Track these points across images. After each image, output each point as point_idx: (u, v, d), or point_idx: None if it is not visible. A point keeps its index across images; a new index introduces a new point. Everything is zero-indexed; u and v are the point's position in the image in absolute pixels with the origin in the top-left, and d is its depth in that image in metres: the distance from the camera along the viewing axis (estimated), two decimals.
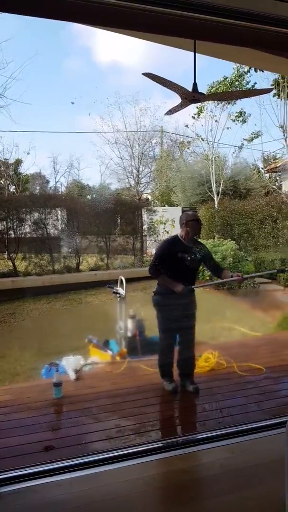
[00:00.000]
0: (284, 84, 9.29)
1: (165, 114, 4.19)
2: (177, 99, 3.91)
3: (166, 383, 3.37)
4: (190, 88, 3.79)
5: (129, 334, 4.64)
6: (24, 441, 2.66)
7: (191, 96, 3.70)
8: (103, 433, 2.85)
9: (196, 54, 3.87)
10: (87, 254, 9.10)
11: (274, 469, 2.15)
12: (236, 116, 12.53)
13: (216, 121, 12.14)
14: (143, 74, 3.39)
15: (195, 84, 3.81)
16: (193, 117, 13.07)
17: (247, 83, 11.94)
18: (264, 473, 2.18)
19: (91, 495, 2.12)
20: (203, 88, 3.83)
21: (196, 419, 3.01)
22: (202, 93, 3.82)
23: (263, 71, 9.59)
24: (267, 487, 2.06)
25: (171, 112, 4.22)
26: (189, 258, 3.26)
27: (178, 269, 3.24)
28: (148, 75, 3.39)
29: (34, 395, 3.37)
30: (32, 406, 3.14)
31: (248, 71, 11.69)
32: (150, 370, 3.81)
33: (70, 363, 3.84)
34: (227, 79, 11.87)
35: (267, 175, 14.70)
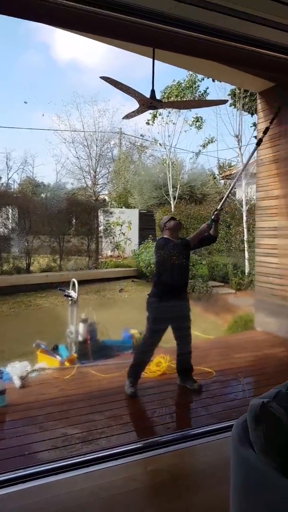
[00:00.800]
0: (240, 95, 9.53)
1: (122, 119, 4.16)
2: (136, 102, 3.89)
3: (127, 384, 3.35)
4: (148, 94, 3.78)
5: (80, 338, 4.53)
6: None
7: (148, 103, 3.69)
8: (49, 442, 2.74)
9: (155, 60, 3.88)
10: (38, 255, 8.82)
11: (220, 474, 2.16)
12: (193, 121, 12.73)
13: (174, 123, 12.27)
14: (101, 77, 3.33)
15: (153, 91, 3.80)
16: (148, 123, 13.12)
17: (197, 88, 12.14)
18: (210, 478, 2.19)
19: (32, 509, 2.03)
20: (156, 93, 3.84)
21: (145, 425, 2.96)
22: (159, 100, 3.83)
23: (220, 81, 9.77)
24: (214, 493, 2.05)
25: (128, 117, 4.18)
26: (179, 253, 3.46)
27: (173, 262, 3.43)
28: (107, 79, 3.33)
29: None
30: None
31: (202, 79, 11.91)
32: (101, 376, 3.74)
33: (15, 370, 3.68)
34: (181, 85, 12.03)
35: (222, 181, 15.10)
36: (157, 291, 3.48)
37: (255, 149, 4.78)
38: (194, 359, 4.08)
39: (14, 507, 2.05)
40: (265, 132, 4.65)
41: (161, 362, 3.89)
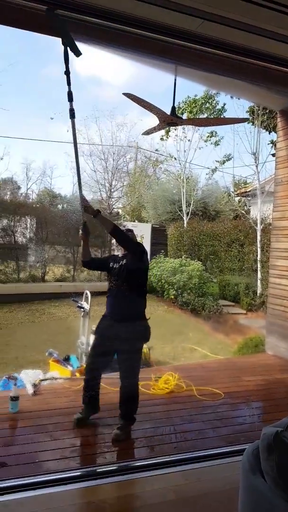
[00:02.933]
0: (259, 112, 9.60)
1: (142, 134, 4.25)
2: (154, 117, 3.99)
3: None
4: (165, 108, 3.89)
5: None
6: None
7: (169, 119, 3.80)
8: (58, 452, 2.78)
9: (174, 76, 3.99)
10: (53, 265, 8.96)
11: (228, 498, 2.17)
12: (208, 136, 12.84)
13: (189, 140, 12.42)
14: (124, 94, 3.44)
15: (173, 108, 3.91)
16: (162, 139, 13.29)
17: (217, 103, 12.29)
18: (218, 502, 2.19)
19: None
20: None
21: (150, 443, 2.97)
22: (179, 117, 3.93)
23: (238, 98, 9.86)
24: None
25: (147, 133, 4.30)
26: (123, 269, 3.00)
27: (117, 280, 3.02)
28: (129, 95, 3.44)
29: None
30: None
31: (217, 93, 12.04)
32: (108, 388, 3.76)
33: (28, 377, 3.74)
34: (196, 101, 12.17)
35: (237, 199, 15.13)
36: (106, 308, 3.11)
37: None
38: (202, 379, 4.10)
39: None
40: None
41: (170, 380, 3.90)
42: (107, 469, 2.50)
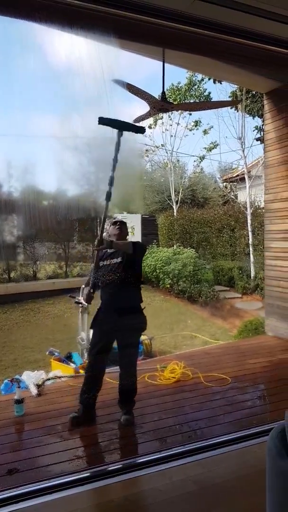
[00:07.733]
0: (242, 96, 9.53)
1: (133, 121, 4.13)
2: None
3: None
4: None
5: None
6: None
7: (159, 105, 3.72)
8: (70, 452, 2.71)
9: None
10: (44, 262, 8.85)
11: (250, 482, 2.13)
12: (193, 125, 12.78)
13: (178, 123, 12.32)
14: (114, 80, 3.34)
15: (163, 93, 3.82)
16: (150, 127, 13.19)
17: (204, 90, 12.18)
18: (240, 488, 2.15)
19: None
20: (156, 95, 3.83)
21: (163, 434, 2.91)
22: (170, 103, 3.85)
23: (221, 83, 9.77)
24: (249, 502, 2.01)
25: (138, 120, 4.19)
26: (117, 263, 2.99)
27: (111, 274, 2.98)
28: (119, 82, 3.35)
29: None
30: None
31: (202, 80, 11.95)
32: (114, 382, 3.69)
33: (31, 378, 3.66)
34: (181, 87, 12.06)
35: (224, 184, 15.12)
36: (101, 301, 3.03)
37: None
38: (207, 365, 4.07)
39: None
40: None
41: (176, 369, 3.86)
42: (120, 466, 2.44)
